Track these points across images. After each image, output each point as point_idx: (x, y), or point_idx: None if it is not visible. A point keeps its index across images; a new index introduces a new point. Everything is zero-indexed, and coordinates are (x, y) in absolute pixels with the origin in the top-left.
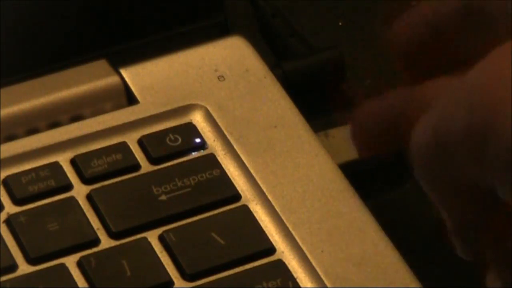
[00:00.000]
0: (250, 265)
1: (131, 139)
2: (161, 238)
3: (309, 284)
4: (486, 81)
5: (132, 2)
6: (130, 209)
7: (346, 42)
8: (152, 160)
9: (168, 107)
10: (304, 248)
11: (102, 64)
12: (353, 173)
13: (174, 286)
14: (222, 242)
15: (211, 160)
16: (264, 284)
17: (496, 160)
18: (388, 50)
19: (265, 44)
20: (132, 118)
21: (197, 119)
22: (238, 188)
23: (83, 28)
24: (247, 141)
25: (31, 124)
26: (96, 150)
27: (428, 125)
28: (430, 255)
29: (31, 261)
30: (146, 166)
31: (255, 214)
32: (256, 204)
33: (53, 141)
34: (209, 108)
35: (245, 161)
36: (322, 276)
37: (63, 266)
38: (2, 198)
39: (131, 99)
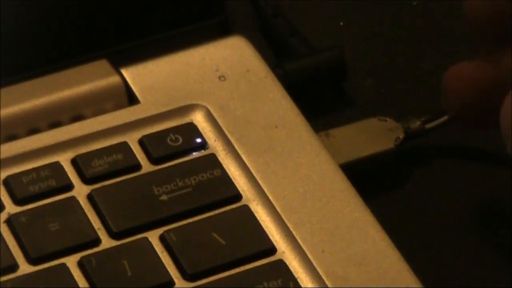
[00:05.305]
0: (251, 265)
1: (132, 139)
2: (162, 238)
3: (310, 284)
4: None
5: (132, 2)
6: (131, 209)
7: (347, 42)
8: (153, 160)
9: (169, 107)
10: (305, 248)
11: (102, 64)
12: (354, 173)
13: (175, 286)
14: (223, 242)
15: (212, 160)
16: (265, 284)
17: None
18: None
19: (266, 44)
20: (133, 118)
21: (198, 119)
22: (239, 188)
23: (83, 28)
24: (248, 141)
25: (31, 124)
26: (97, 150)
27: None
28: (431, 255)
29: (32, 261)
30: (147, 166)
31: (256, 214)
32: (257, 204)
33: (54, 141)
34: (210, 108)
35: (246, 161)
36: (323, 276)
37: (63, 266)
38: (2, 198)
39: (132, 99)
